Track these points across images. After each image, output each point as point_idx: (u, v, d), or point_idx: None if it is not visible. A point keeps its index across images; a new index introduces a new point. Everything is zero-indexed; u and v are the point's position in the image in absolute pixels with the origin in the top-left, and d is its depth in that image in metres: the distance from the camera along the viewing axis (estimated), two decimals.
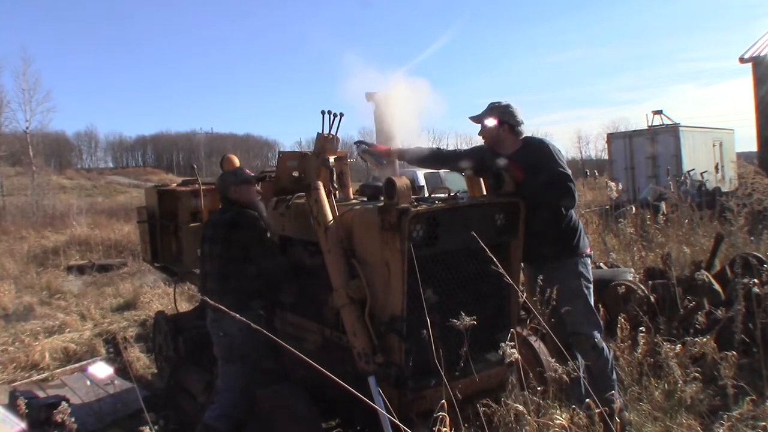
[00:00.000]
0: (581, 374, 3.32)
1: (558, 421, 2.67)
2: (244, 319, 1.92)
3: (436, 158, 3.66)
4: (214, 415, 3.33)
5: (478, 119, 3.50)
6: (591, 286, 3.45)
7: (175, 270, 5.36)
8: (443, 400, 2.26)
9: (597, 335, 3.34)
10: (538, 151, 3.37)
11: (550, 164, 3.30)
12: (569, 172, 3.31)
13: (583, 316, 3.34)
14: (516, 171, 3.25)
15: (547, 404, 2.94)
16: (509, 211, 3.18)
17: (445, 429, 2.22)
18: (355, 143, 3.60)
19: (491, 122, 3.43)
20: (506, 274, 2.68)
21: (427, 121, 3.47)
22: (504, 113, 3.44)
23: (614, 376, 3.37)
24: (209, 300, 3.35)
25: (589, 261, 3.51)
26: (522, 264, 3.42)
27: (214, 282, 3.44)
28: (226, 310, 1.91)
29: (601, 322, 3.49)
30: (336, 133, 4.14)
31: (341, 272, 2.93)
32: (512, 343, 2.47)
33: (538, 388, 2.95)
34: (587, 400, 2.86)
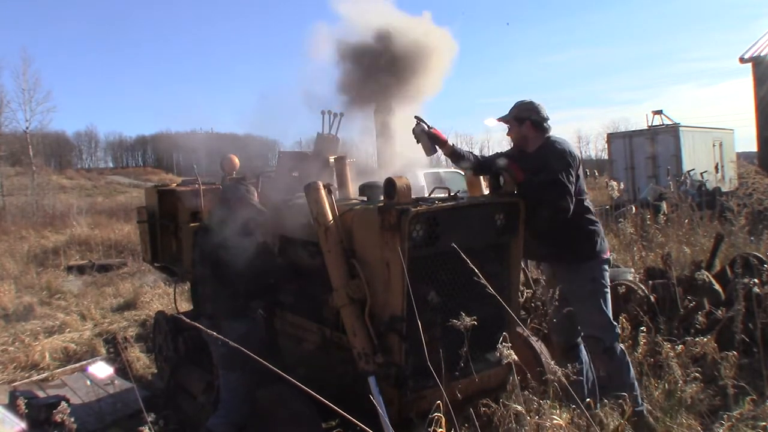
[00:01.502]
0: (584, 374, 3.32)
1: (555, 422, 2.66)
2: (242, 325, 1.92)
3: (480, 165, 3.57)
4: (217, 421, 3.32)
5: (502, 119, 3.51)
6: (606, 290, 3.40)
7: (175, 270, 5.36)
8: (438, 401, 2.26)
9: (609, 339, 3.32)
10: (546, 151, 3.36)
11: (548, 167, 3.29)
12: (564, 179, 3.18)
13: (594, 319, 3.33)
14: (516, 171, 3.25)
15: (547, 404, 2.94)
16: (509, 211, 3.18)
17: (440, 430, 2.22)
18: (416, 117, 3.44)
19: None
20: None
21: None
22: (525, 110, 3.43)
23: (630, 379, 3.31)
24: (204, 307, 3.36)
25: (606, 266, 3.44)
26: (541, 263, 3.43)
27: (209, 287, 3.42)
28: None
29: (616, 327, 3.43)
30: (336, 133, 4.14)
31: (341, 272, 2.93)
32: (509, 344, 2.47)
33: (536, 388, 2.95)
34: (587, 399, 2.86)
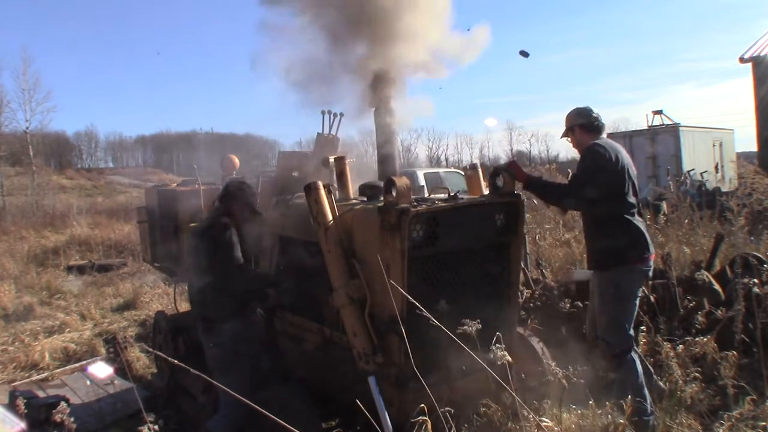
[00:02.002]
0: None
1: (546, 424, 2.66)
2: (236, 327, 1.91)
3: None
4: (216, 424, 3.32)
5: (563, 136, 3.59)
6: (631, 299, 3.35)
7: (174, 270, 5.36)
8: (423, 405, 2.26)
9: (621, 347, 3.30)
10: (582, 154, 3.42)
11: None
12: (578, 179, 3.31)
13: (608, 324, 3.34)
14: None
15: (546, 404, 2.94)
16: (509, 211, 3.18)
17: None
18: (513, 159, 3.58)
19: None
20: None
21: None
22: (571, 118, 3.51)
23: (637, 389, 3.22)
24: (200, 310, 3.33)
25: (639, 274, 3.37)
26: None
27: (203, 291, 3.39)
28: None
29: (630, 336, 3.37)
30: (336, 133, 4.14)
31: (341, 272, 2.93)
32: (504, 345, 2.47)
33: (536, 388, 2.95)
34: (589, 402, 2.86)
